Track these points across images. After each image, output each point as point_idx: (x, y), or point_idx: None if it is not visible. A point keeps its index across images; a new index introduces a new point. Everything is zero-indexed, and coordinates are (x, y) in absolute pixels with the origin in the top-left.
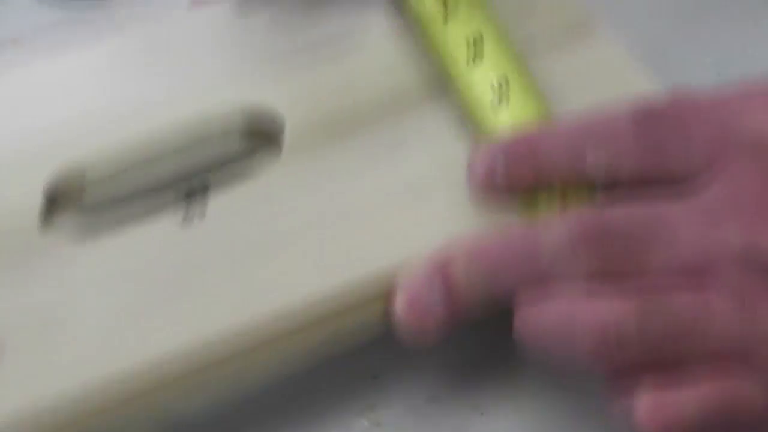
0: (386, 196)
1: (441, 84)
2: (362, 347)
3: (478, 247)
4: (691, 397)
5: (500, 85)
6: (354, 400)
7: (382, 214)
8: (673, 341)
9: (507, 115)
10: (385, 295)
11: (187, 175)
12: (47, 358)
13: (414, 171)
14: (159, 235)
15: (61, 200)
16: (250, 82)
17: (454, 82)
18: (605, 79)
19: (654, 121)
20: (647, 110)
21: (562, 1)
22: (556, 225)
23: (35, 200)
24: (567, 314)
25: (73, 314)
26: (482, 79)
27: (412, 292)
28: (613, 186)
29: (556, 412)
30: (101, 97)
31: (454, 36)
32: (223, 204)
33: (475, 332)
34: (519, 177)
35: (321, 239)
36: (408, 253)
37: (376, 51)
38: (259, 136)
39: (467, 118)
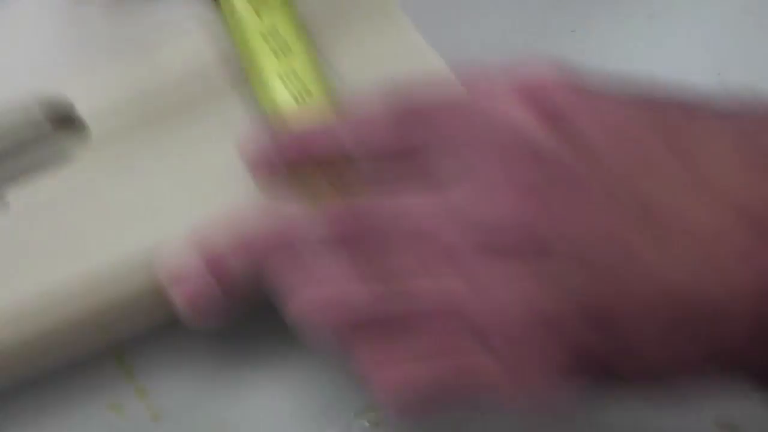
0: (183, 187)
1: (244, 76)
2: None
3: (242, 234)
4: (425, 368)
5: (290, 76)
6: (354, 400)
7: (176, 204)
8: (406, 318)
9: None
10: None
11: None
12: None
13: (214, 160)
14: None
15: None
16: (49, 72)
17: (254, 74)
18: (397, 61)
19: (409, 114)
20: (404, 104)
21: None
22: (313, 215)
23: None
24: (316, 297)
25: None
26: (276, 73)
27: (186, 284)
28: (372, 170)
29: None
30: None
31: (253, 28)
32: (25, 195)
33: None
34: (287, 158)
35: (107, 231)
36: (174, 230)
37: (187, 42)
38: (62, 129)
39: (264, 108)
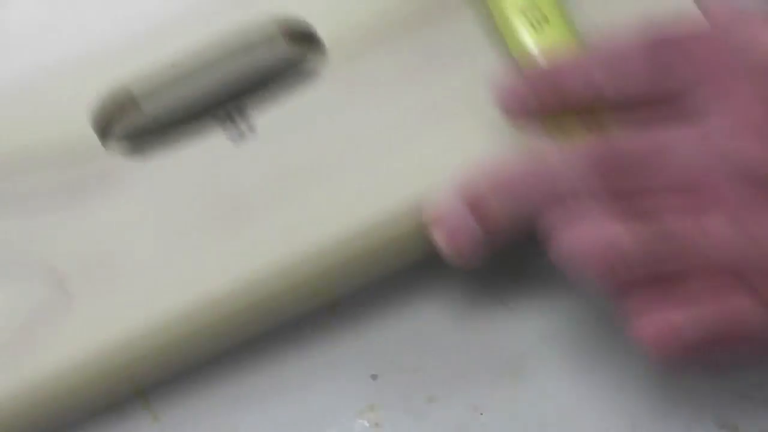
0: (421, 114)
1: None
2: (361, 348)
3: (502, 176)
4: (689, 315)
5: (532, 8)
6: (354, 400)
7: (417, 134)
8: (672, 262)
9: (536, 38)
10: (419, 219)
11: (235, 86)
12: (109, 300)
13: (447, 87)
14: (211, 151)
15: (109, 121)
16: None
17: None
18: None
19: (663, 44)
20: (657, 35)
21: None
22: (569, 154)
23: (84, 124)
24: (578, 237)
25: (129, 249)
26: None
27: (449, 226)
28: (625, 109)
29: (554, 413)
30: (135, 16)
31: None
32: (272, 118)
33: (474, 333)
34: (540, 101)
35: (361, 163)
36: (439, 176)
37: None
38: (299, 46)
39: (498, 33)
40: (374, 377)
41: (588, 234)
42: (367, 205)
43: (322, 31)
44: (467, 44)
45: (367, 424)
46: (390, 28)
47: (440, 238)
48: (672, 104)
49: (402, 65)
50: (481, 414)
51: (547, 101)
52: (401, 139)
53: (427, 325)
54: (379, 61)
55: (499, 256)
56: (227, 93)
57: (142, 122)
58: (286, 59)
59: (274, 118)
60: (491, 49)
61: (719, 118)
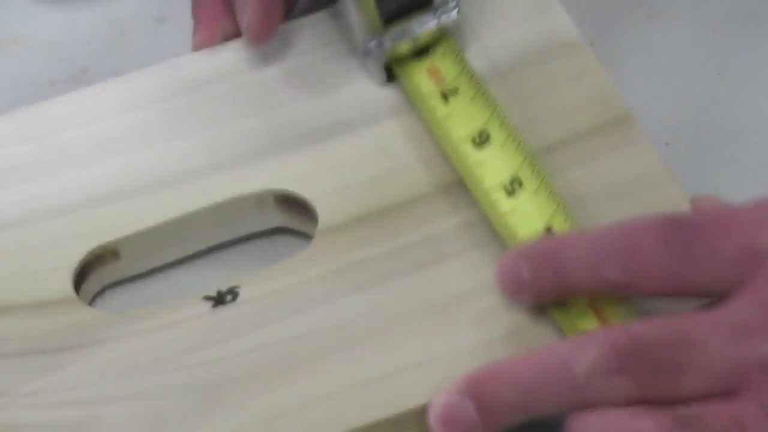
0: (418, 309)
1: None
2: None
3: (510, 371)
4: None
5: (511, 183)
6: None
7: (416, 330)
8: None
9: (518, 214)
10: (420, 413)
11: (221, 253)
12: None
13: (446, 281)
14: (190, 319)
15: (91, 277)
16: (280, 161)
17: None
18: (635, 186)
19: (682, 232)
20: (675, 221)
21: (601, 95)
22: (587, 347)
23: (65, 279)
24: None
25: (95, 418)
26: (491, 175)
27: (449, 418)
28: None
29: None
30: (130, 169)
31: (457, 130)
32: (257, 289)
33: None
34: (543, 285)
35: (355, 358)
36: (442, 374)
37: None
38: (292, 216)
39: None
40: None
41: (611, 425)
42: (355, 403)
43: (319, 206)
44: (465, 235)
45: None
46: (388, 213)
47: (438, 427)
48: (691, 280)
49: (398, 253)
50: None
51: (546, 282)
52: (393, 332)
53: None
54: (374, 246)
55: None
56: (213, 259)
57: (123, 280)
58: (277, 228)
59: (259, 289)
60: (491, 241)
61: (747, 305)
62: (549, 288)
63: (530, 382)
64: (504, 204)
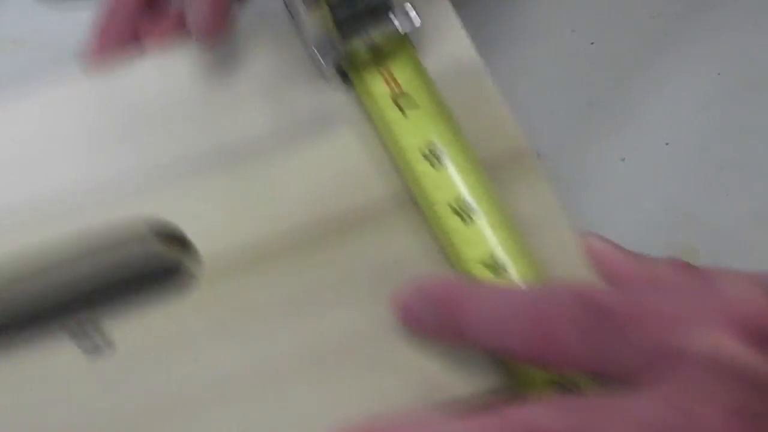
0: (303, 355)
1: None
2: None
3: None
4: None
5: (459, 202)
6: None
7: (296, 379)
8: None
9: (465, 234)
10: None
11: (93, 288)
12: None
13: (334, 325)
14: (59, 366)
15: None
16: (158, 192)
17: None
18: (526, 227)
19: (599, 321)
20: (594, 306)
21: (498, 127)
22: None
23: None
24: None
25: None
26: (439, 191)
27: None
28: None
29: None
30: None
31: (408, 138)
32: (133, 333)
33: None
34: (445, 333)
35: (233, 403)
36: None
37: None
38: (170, 248)
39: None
40: None
41: None
42: None
43: (200, 243)
44: (356, 278)
45: None
46: (276, 254)
47: None
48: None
49: (284, 295)
50: None
51: (448, 334)
52: (278, 381)
53: None
54: (259, 287)
55: None
56: (83, 296)
57: None
58: (155, 262)
59: (135, 333)
60: (391, 277)
61: (652, 406)
62: (452, 337)
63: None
64: (451, 221)
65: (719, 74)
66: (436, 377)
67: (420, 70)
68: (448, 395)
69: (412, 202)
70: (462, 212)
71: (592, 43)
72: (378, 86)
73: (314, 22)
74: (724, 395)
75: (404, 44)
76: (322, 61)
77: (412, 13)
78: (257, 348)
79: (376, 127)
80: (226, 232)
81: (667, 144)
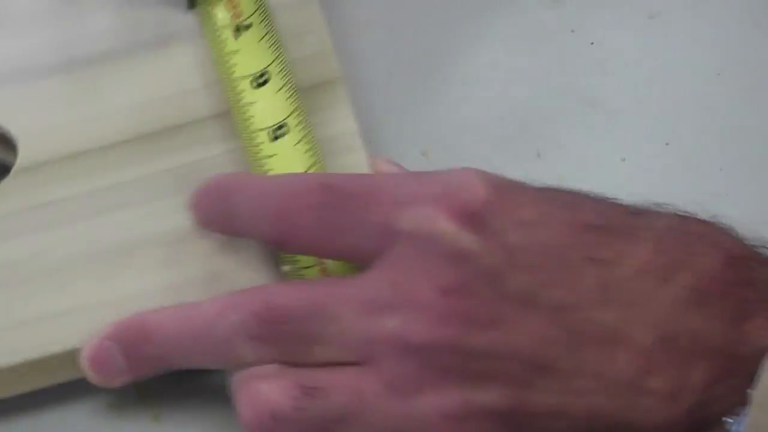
0: (98, 253)
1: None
2: None
3: (158, 324)
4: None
5: (278, 128)
6: None
7: (90, 274)
8: (327, 427)
9: (278, 159)
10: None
11: None
12: None
13: (131, 226)
14: None
15: None
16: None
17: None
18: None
19: (331, 196)
20: (326, 185)
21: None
22: (229, 312)
23: None
24: (240, 395)
25: None
26: (261, 118)
27: (97, 361)
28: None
29: None
30: None
31: (240, 67)
32: None
33: None
34: (217, 223)
35: (18, 295)
36: (108, 318)
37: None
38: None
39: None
40: None
41: (248, 393)
42: (7, 342)
43: (22, 140)
44: (152, 185)
45: None
46: (87, 155)
47: (87, 369)
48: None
49: (87, 193)
50: None
51: (218, 222)
52: (65, 271)
53: None
54: (66, 184)
55: None
56: None
57: None
58: None
59: None
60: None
61: (378, 281)
62: (226, 228)
63: (175, 338)
64: (266, 148)
65: (719, 74)
66: (220, 269)
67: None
68: (234, 286)
69: (229, 124)
70: (277, 138)
71: (591, 43)
72: (220, 10)
73: None
74: (435, 271)
75: None
76: None
77: None
78: (52, 240)
79: (212, 49)
80: (48, 133)
81: (667, 144)
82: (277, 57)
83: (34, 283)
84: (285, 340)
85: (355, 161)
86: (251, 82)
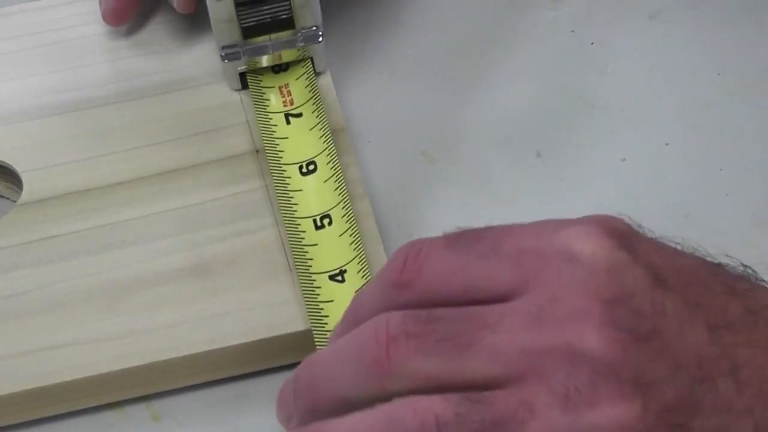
0: (95, 290)
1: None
2: None
3: (315, 357)
4: None
5: (321, 219)
6: None
7: (85, 310)
8: None
9: (319, 249)
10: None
11: None
12: None
13: (127, 265)
14: None
15: None
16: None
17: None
18: None
19: (467, 241)
20: (460, 232)
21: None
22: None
23: None
24: (390, 416)
25: None
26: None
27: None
28: None
29: None
30: None
31: (289, 153)
32: None
33: None
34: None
35: (19, 329)
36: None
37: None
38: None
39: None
40: None
41: (406, 410)
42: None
43: (26, 177)
44: (150, 227)
45: None
46: (89, 196)
47: None
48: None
49: (90, 232)
50: None
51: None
52: (67, 308)
53: None
54: (67, 222)
55: None
56: None
57: None
58: None
59: None
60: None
61: (534, 300)
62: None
63: (326, 362)
64: (310, 236)
65: (719, 74)
66: (221, 309)
67: (314, 86)
68: (235, 326)
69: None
70: (321, 227)
71: (592, 43)
72: (273, 96)
73: (220, 26)
74: (595, 284)
75: (304, 60)
76: (224, 65)
77: (317, 30)
78: (53, 274)
79: (261, 134)
80: (53, 170)
81: (667, 144)
82: (326, 148)
83: (35, 316)
84: (437, 341)
85: (361, 209)
86: (299, 169)
